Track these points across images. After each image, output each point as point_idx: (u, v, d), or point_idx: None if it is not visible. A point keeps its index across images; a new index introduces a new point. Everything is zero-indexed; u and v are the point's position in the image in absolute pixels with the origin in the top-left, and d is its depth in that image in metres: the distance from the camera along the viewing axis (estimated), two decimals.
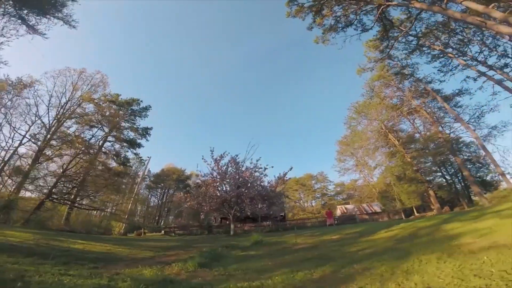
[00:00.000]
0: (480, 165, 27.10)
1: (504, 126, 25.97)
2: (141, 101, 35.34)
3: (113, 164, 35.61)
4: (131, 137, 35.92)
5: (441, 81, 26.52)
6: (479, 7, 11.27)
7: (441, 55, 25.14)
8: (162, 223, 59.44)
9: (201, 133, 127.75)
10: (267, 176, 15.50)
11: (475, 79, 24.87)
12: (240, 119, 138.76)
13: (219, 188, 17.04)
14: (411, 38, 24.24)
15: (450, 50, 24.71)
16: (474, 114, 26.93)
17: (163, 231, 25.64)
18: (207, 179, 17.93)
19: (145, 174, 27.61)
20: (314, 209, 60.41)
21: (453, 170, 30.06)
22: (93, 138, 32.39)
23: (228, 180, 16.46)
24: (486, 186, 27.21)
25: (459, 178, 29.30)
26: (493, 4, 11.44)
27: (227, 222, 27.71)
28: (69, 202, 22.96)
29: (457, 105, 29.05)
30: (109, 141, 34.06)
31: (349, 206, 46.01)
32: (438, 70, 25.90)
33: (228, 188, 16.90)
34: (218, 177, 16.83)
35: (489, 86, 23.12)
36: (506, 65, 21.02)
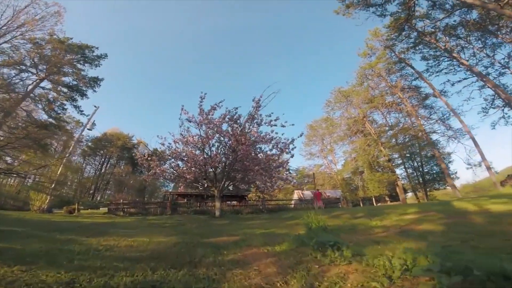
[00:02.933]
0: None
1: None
2: (97, 48, 27.27)
3: (44, 117, 26.50)
4: (71, 80, 27.19)
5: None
6: None
7: (443, 55, 24.46)
8: (98, 198, 48.88)
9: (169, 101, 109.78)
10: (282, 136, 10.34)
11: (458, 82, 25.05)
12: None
13: (205, 150, 11.66)
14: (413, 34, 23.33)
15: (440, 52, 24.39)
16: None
17: (106, 209, 18.64)
18: (185, 139, 12.28)
19: (91, 126, 19.28)
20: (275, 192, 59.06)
21: (415, 164, 31.30)
22: (21, 81, 23.54)
23: (222, 139, 11.14)
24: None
25: (420, 172, 30.63)
26: None
27: (191, 199, 22.26)
28: None
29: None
30: (45, 88, 26.19)
31: (306, 192, 45.77)
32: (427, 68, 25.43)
33: (214, 152, 11.69)
34: (204, 136, 11.39)
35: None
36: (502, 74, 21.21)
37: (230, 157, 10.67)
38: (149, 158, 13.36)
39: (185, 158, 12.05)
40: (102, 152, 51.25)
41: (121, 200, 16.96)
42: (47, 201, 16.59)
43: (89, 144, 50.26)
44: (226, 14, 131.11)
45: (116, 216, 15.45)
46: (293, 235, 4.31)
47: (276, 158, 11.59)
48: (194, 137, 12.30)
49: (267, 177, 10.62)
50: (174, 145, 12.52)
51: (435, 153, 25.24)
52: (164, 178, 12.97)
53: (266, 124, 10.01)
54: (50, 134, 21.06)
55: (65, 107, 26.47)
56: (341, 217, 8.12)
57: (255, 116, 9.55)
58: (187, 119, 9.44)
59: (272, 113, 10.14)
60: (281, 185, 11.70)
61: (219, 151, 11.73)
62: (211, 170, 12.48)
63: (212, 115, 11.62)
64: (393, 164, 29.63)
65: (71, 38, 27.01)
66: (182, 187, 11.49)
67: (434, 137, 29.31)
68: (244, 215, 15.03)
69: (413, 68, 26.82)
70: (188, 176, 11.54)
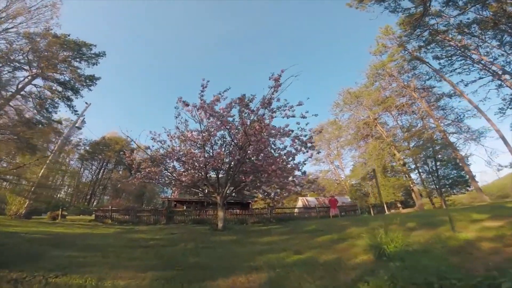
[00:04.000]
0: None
1: None
2: (95, 45, 25.44)
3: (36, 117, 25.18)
4: (67, 78, 25.69)
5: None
6: None
7: (456, 54, 22.78)
8: (94, 204, 46.56)
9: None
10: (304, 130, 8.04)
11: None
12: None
13: (206, 149, 9.53)
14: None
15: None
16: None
17: (93, 215, 16.49)
18: (183, 136, 10.23)
19: (81, 124, 17.24)
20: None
21: (430, 169, 28.97)
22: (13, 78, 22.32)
23: (227, 134, 9.01)
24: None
25: (435, 176, 28.27)
26: None
27: (189, 207, 19.94)
28: None
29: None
30: (37, 86, 24.34)
31: (310, 199, 43.24)
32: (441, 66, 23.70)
33: (217, 151, 9.57)
34: (206, 130, 9.31)
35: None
36: None
37: (237, 155, 8.53)
38: (140, 160, 11.33)
39: (183, 158, 9.95)
40: (100, 156, 49.22)
41: (110, 207, 14.75)
42: (26, 205, 14.40)
43: (87, 148, 48.40)
44: (229, 17, 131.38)
45: (101, 225, 13.27)
46: (366, 268, 2.15)
47: (291, 158, 9.45)
48: (193, 132, 10.24)
49: (283, 180, 8.43)
50: (170, 143, 10.48)
51: (457, 155, 23.01)
52: (157, 181, 10.81)
53: (282, 115, 7.87)
54: (37, 132, 19.03)
55: (57, 104, 24.68)
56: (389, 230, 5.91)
57: (272, 100, 7.42)
58: (184, 102, 7.26)
59: (286, 100, 8.04)
60: (295, 190, 9.46)
61: (224, 149, 9.62)
62: (212, 172, 10.35)
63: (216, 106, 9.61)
64: (409, 169, 27.36)
65: (69, 35, 25.63)
66: (176, 192, 9.31)
67: (452, 139, 27.27)
68: (250, 226, 12.78)
69: (430, 66, 24.97)
70: (184, 179, 9.38)
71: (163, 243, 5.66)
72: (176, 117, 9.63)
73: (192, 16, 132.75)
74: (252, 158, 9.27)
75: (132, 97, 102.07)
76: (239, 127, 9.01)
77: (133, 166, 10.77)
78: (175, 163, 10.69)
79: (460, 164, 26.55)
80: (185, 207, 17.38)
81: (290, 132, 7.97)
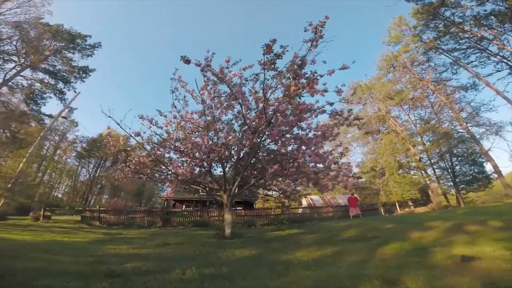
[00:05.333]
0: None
1: None
2: (90, 36, 23.83)
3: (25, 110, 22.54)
4: (58, 69, 23.83)
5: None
6: None
7: (472, 46, 21.03)
8: (92, 203, 44.46)
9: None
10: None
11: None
12: None
13: (210, 135, 7.44)
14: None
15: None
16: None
17: (80, 216, 14.36)
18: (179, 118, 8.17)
19: (68, 114, 15.11)
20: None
21: (446, 165, 26.88)
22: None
23: (245, 109, 6.74)
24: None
25: (451, 173, 26.17)
26: None
27: (190, 206, 17.83)
28: None
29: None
30: (26, 78, 22.42)
31: (315, 198, 41.11)
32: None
33: (223, 137, 7.47)
34: (210, 116, 7.21)
35: None
36: None
37: (254, 138, 6.36)
38: (128, 149, 9.30)
39: (181, 147, 7.87)
40: (98, 154, 47.07)
41: (97, 207, 12.66)
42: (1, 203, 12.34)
43: (84, 145, 46.36)
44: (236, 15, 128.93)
45: (87, 228, 11.20)
46: None
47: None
48: (194, 114, 8.15)
49: (319, 172, 6.24)
50: (165, 128, 8.37)
51: (481, 148, 20.95)
52: (148, 177, 8.72)
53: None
54: (21, 124, 16.99)
55: (46, 96, 22.64)
56: (453, 238, 3.83)
57: (305, 61, 4.61)
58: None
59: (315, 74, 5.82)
60: (330, 185, 7.22)
61: (239, 134, 7.40)
62: (216, 166, 8.28)
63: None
64: (426, 164, 25.27)
65: (62, 25, 23.75)
66: (171, 189, 7.22)
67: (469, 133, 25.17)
68: (261, 229, 10.72)
69: (448, 56, 22.98)
70: (181, 171, 7.29)
71: (147, 267, 3.58)
72: (173, 92, 7.50)
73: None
74: (269, 144, 7.18)
75: (137, 91, 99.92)
76: (251, 105, 6.90)
77: (120, 157, 8.72)
78: (172, 154, 8.63)
79: (481, 160, 24.58)
80: (184, 207, 15.32)
81: (329, 104, 5.73)
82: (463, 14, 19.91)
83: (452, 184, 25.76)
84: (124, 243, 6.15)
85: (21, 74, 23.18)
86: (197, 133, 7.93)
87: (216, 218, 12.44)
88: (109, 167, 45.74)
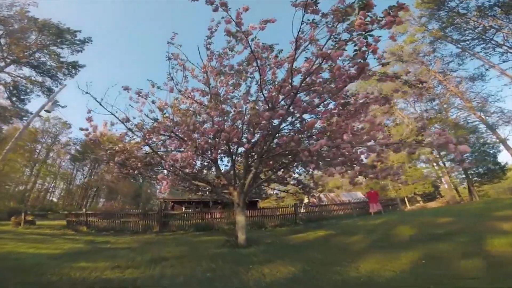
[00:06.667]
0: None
1: None
2: (79, 31, 22.18)
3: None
4: (45, 63, 22.26)
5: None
6: None
7: (477, 38, 20.15)
8: (87, 207, 42.39)
9: None
10: None
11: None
12: None
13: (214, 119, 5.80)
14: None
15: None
16: None
17: (66, 221, 12.57)
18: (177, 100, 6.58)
19: (51, 108, 13.20)
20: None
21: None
22: None
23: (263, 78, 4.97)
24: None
25: (461, 165, 24.80)
26: None
27: (190, 208, 16.11)
28: None
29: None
30: (11, 74, 21.14)
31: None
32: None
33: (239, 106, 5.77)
34: (214, 96, 5.58)
35: None
36: None
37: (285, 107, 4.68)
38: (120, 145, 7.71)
39: (179, 133, 6.22)
40: (92, 156, 44.94)
41: (84, 210, 10.91)
42: None
43: (77, 148, 44.29)
44: None
45: (71, 234, 9.48)
46: None
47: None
48: (195, 92, 6.51)
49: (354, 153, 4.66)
50: (159, 113, 6.73)
51: (498, 137, 19.68)
52: (139, 173, 7.06)
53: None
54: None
55: (31, 93, 20.88)
56: None
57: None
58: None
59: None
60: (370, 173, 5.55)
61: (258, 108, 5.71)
62: (225, 149, 6.64)
63: (233, 57, 5.89)
64: (436, 157, 23.93)
65: (50, 19, 22.19)
66: (166, 186, 5.52)
67: (481, 124, 23.94)
68: (274, 232, 9.11)
69: (457, 45, 21.87)
70: (179, 156, 5.57)
71: None
72: (169, 59, 5.84)
73: None
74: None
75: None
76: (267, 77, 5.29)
77: (104, 153, 7.07)
78: (168, 143, 6.96)
79: (494, 151, 23.36)
80: (183, 209, 13.64)
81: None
82: (467, 5, 19.40)
83: (464, 177, 24.48)
84: (105, 258, 4.48)
85: (4, 70, 21.53)
86: (199, 117, 6.28)
87: (221, 220, 10.80)
88: (102, 169, 43.73)
